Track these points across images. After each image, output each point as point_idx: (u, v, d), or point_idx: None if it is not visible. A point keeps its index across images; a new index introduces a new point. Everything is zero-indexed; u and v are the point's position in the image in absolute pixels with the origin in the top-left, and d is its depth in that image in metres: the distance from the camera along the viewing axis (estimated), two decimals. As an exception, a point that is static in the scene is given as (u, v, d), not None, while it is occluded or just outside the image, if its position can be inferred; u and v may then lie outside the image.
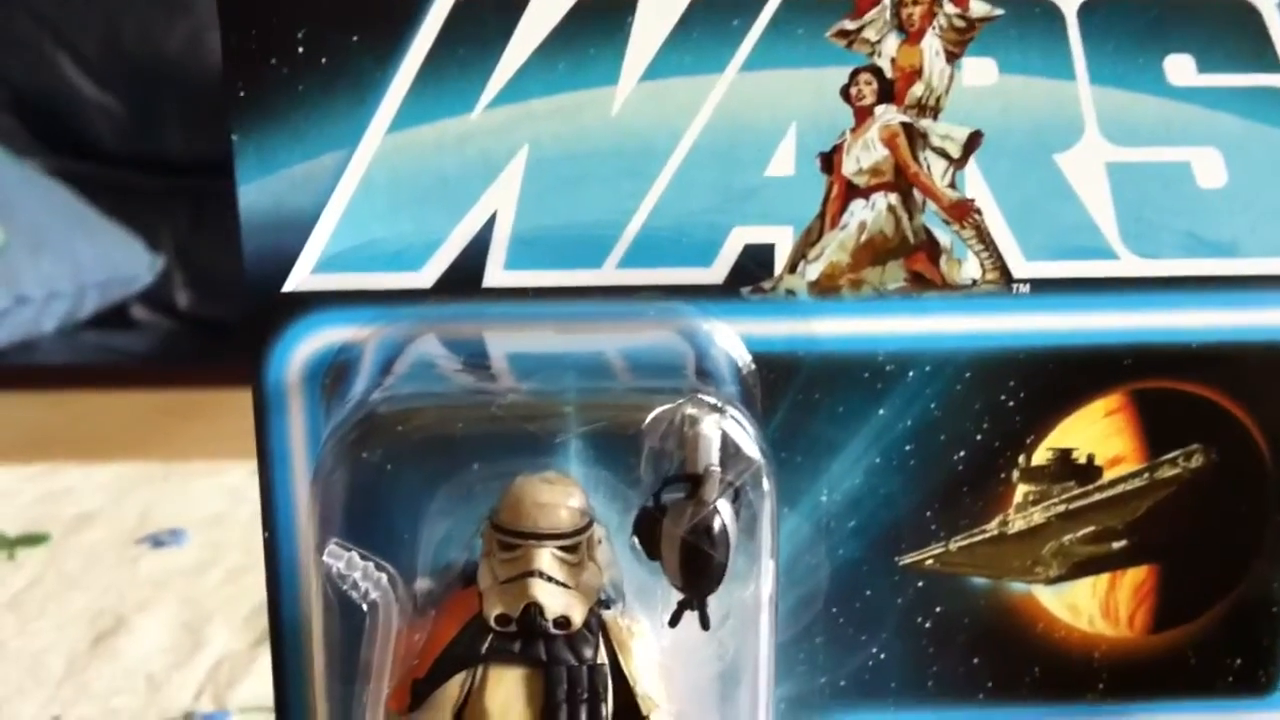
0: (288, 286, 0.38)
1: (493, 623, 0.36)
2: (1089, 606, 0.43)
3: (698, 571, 0.35)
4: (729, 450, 0.35)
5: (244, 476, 1.11)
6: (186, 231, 1.90)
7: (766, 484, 0.35)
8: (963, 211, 0.39)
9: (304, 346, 0.39)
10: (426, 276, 0.39)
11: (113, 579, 0.94)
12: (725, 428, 0.34)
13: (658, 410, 0.34)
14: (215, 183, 1.88)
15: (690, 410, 0.35)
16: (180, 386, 1.42)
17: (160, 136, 1.82)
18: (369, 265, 0.38)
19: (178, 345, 1.85)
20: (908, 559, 0.42)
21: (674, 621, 0.36)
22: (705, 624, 0.36)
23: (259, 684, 0.79)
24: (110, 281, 1.84)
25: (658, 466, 0.35)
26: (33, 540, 1.01)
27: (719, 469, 0.34)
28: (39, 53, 1.81)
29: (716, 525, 0.34)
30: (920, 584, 0.42)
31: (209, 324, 1.86)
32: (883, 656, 0.43)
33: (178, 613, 0.89)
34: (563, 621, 0.36)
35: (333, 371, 0.39)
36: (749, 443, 0.35)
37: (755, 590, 0.36)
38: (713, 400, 0.35)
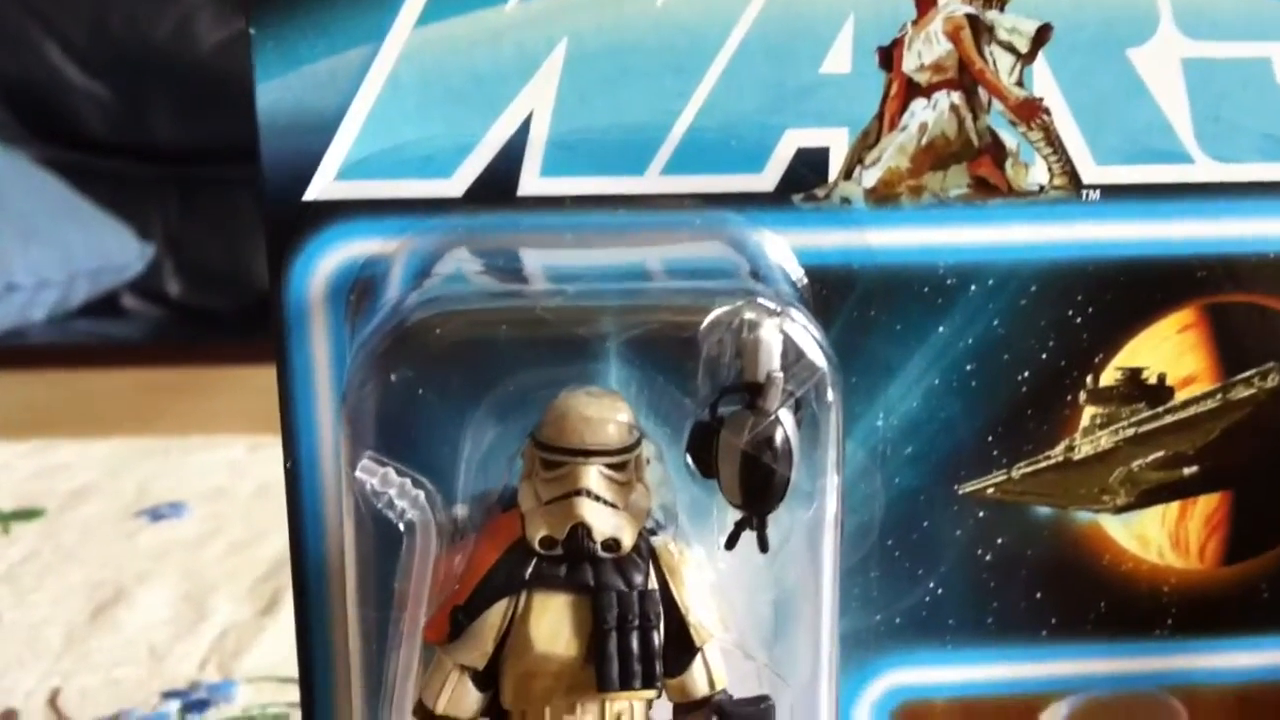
0: (309, 195, 0.36)
1: (536, 546, 0.34)
2: (1158, 537, 0.41)
3: (758, 487, 0.32)
4: (791, 357, 0.32)
5: (244, 451, 1.09)
6: (177, 220, 1.87)
7: (831, 393, 0.33)
8: (1030, 111, 0.37)
9: (326, 260, 0.36)
10: (457, 184, 0.36)
11: (111, 552, 0.91)
12: (788, 331, 0.32)
13: (714, 314, 0.32)
14: (205, 170, 1.85)
15: (749, 314, 0.32)
16: (175, 364, 1.40)
17: (149, 124, 1.80)
18: (396, 172, 0.36)
19: (168, 334, 1.82)
20: (968, 488, 0.40)
21: (730, 544, 0.34)
22: (764, 546, 0.34)
23: (266, 653, 0.76)
24: (101, 270, 1.82)
25: (714, 376, 0.33)
26: (28, 515, 0.98)
27: (781, 375, 0.32)
28: (27, 40, 1.78)
29: (778, 436, 0.32)
30: (981, 514, 0.40)
31: (200, 312, 1.84)
32: (940, 592, 0.40)
33: (179, 584, 0.86)
34: (611, 544, 0.34)
35: (358, 288, 0.36)
36: (813, 348, 0.33)
37: (819, 510, 0.33)
38: (772, 304, 0.33)
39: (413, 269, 0.36)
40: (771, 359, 0.32)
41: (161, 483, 1.02)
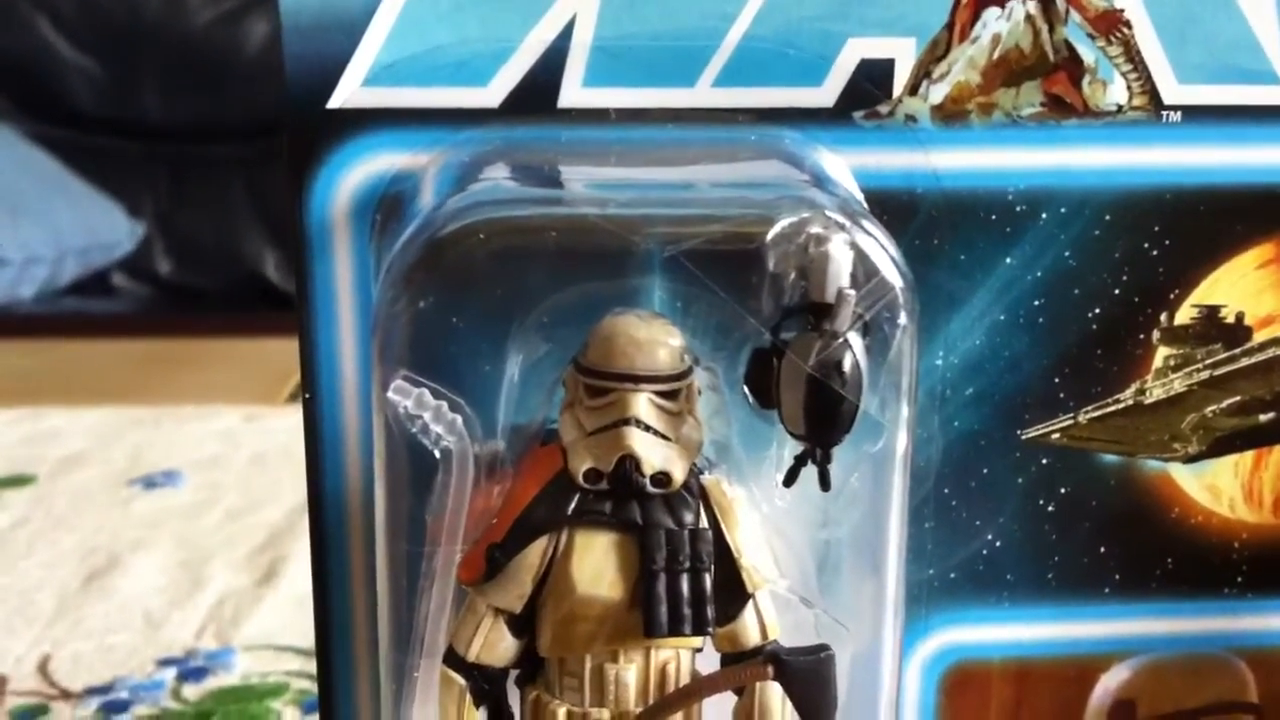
0: (334, 102, 0.33)
1: (580, 480, 0.31)
2: (1230, 488, 0.38)
3: (823, 415, 0.30)
4: (861, 276, 0.30)
5: (239, 421, 1.06)
6: (167, 199, 1.84)
7: (904, 316, 0.31)
8: (1110, 24, 0.34)
9: (352, 174, 0.34)
10: (494, 93, 0.33)
11: (104, 519, 0.88)
12: (859, 244, 0.29)
13: (779, 225, 0.29)
14: (196, 149, 1.81)
15: (816, 228, 0.30)
16: (168, 336, 1.37)
17: (140, 101, 1.77)
18: (428, 79, 0.33)
19: (159, 313, 1.80)
20: (1031, 432, 0.37)
21: (790, 479, 0.31)
22: (826, 483, 0.31)
23: (265, 622, 0.73)
24: (90, 248, 1.79)
25: (777, 296, 0.30)
26: (18, 482, 0.95)
27: (852, 294, 0.29)
28: (16, 14, 1.76)
29: (848, 361, 0.30)
30: (1044, 461, 0.37)
31: (190, 292, 1.81)
32: (999, 544, 0.38)
33: (174, 552, 0.83)
34: (661, 478, 0.31)
35: (385, 205, 0.34)
36: (887, 264, 0.30)
37: (888, 443, 0.31)
38: (841, 218, 0.30)
39: (444, 185, 0.33)
40: (841, 276, 0.29)
41: (155, 451, 0.99)
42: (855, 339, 0.30)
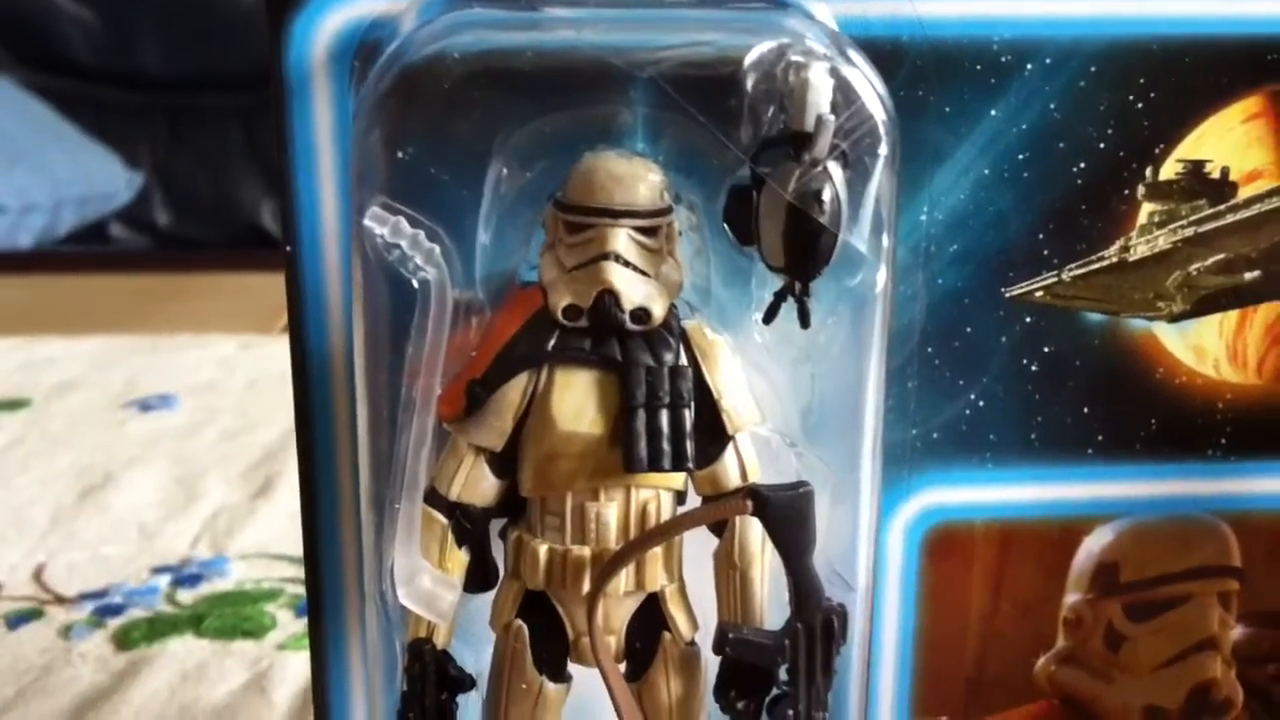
0: (312, -54, 0.33)
1: (560, 316, 0.31)
2: (1215, 348, 0.38)
3: (802, 245, 0.29)
4: (842, 104, 0.30)
5: (235, 349, 1.06)
6: (165, 150, 1.84)
7: (886, 146, 0.30)
8: None
9: (330, 20, 0.33)
10: (474, -63, 0.33)
11: (99, 439, 0.88)
12: (840, 72, 0.29)
13: (758, 50, 0.29)
14: (194, 100, 1.80)
15: (796, 56, 0.30)
16: (165, 271, 1.37)
17: (137, 52, 1.77)
18: (407, -78, 0.33)
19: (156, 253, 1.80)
20: (1016, 290, 0.37)
21: (769, 317, 0.31)
22: (805, 320, 0.31)
23: (260, 533, 0.74)
24: (88, 198, 1.78)
25: (756, 126, 0.30)
26: (12, 405, 0.95)
27: (832, 119, 0.29)
28: (12, -35, 1.74)
29: (827, 190, 0.29)
30: (1028, 319, 0.37)
31: (188, 243, 1.81)
32: (982, 404, 0.38)
33: (169, 469, 0.83)
34: (641, 314, 0.31)
35: (364, 51, 0.33)
36: (869, 93, 0.30)
37: (867, 278, 0.31)
38: (822, 47, 0.30)
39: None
40: (821, 103, 0.29)
41: (150, 377, 0.99)
42: (835, 169, 0.29)
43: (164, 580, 0.67)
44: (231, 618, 0.63)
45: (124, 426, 0.89)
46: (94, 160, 1.81)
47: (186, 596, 0.66)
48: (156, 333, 1.09)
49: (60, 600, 0.65)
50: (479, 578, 0.34)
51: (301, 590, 0.69)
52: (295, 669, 0.58)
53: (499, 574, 0.34)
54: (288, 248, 0.35)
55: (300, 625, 0.63)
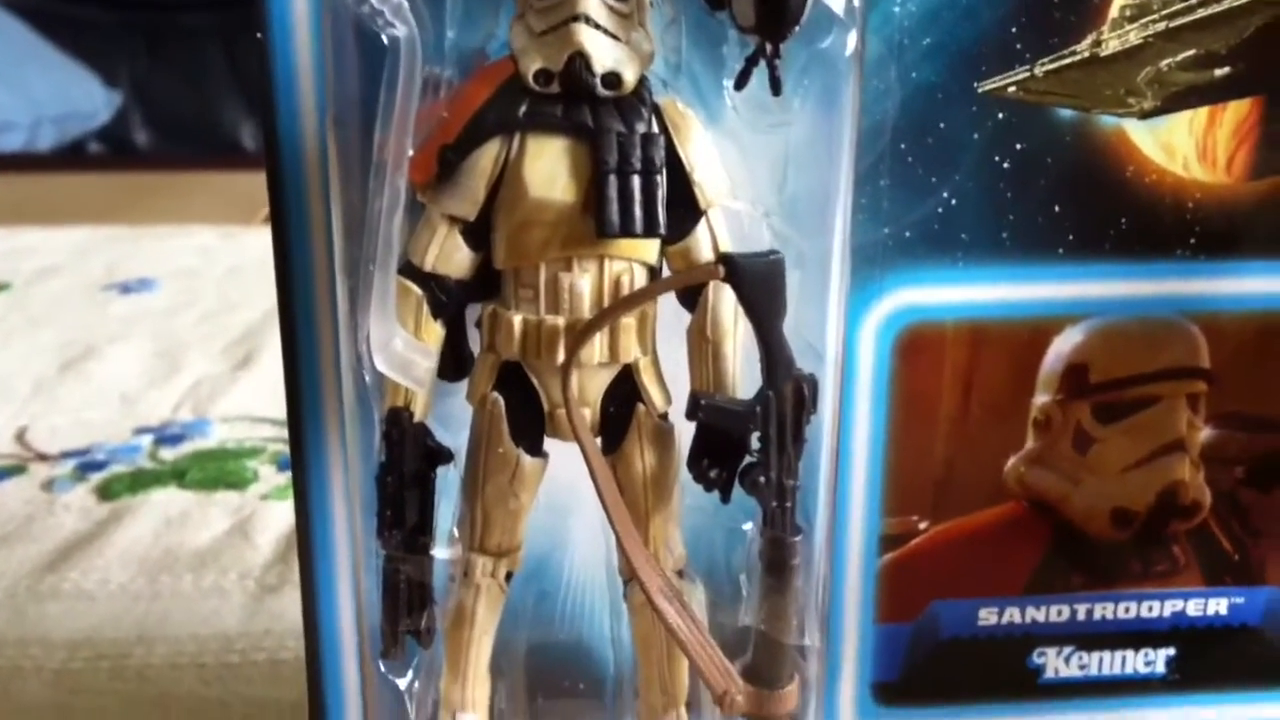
0: None
1: (530, 81, 0.31)
2: (1184, 146, 0.39)
3: (773, 2, 0.29)
4: None
5: (215, 238, 1.05)
6: (145, 70, 1.81)
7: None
8: None
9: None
10: None
11: (81, 318, 0.88)
12: None
13: None
14: (173, 18, 1.77)
15: None
16: (145, 169, 1.36)
17: (114, -34, 1.74)
18: None
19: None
20: (988, 85, 0.37)
21: (740, 82, 0.31)
22: (777, 87, 0.31)
23: (241, 399, 0.74)
24: (67, 116, 1.76)
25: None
26: (-8, 289, 0.95)
27: None
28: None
29: (797, -55, 0.29)
30: (1001, 115, 0.37)
31: (168, 163, 1.79)
32: (954, 203, 0.38)
33: (151, 344, 0.84)
34: (612, 79, 0.31)
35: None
36: None
37: (837, 40, 0.31)
38: None
39: None
40: None
41: (132, 263, 0.99)
42: (805, -74, 0.29)
43: (146, 439, 0.68)
44: (214, 471, 0.63)
45: (105, 307, 0.89)
46: (73, 79, 1.79)
47: (169, 454, 0.66)
48: (138, 224, 1.09)
49: (43, 458, 0.66)
50: (453, 364, 0.34)
51: (284, 448, 0.69)
52: (279, 515, 0.59)
53: (474, 360, 0.34)
54: (259, 34, 0.34)
55: (283, 479, 0.63)
